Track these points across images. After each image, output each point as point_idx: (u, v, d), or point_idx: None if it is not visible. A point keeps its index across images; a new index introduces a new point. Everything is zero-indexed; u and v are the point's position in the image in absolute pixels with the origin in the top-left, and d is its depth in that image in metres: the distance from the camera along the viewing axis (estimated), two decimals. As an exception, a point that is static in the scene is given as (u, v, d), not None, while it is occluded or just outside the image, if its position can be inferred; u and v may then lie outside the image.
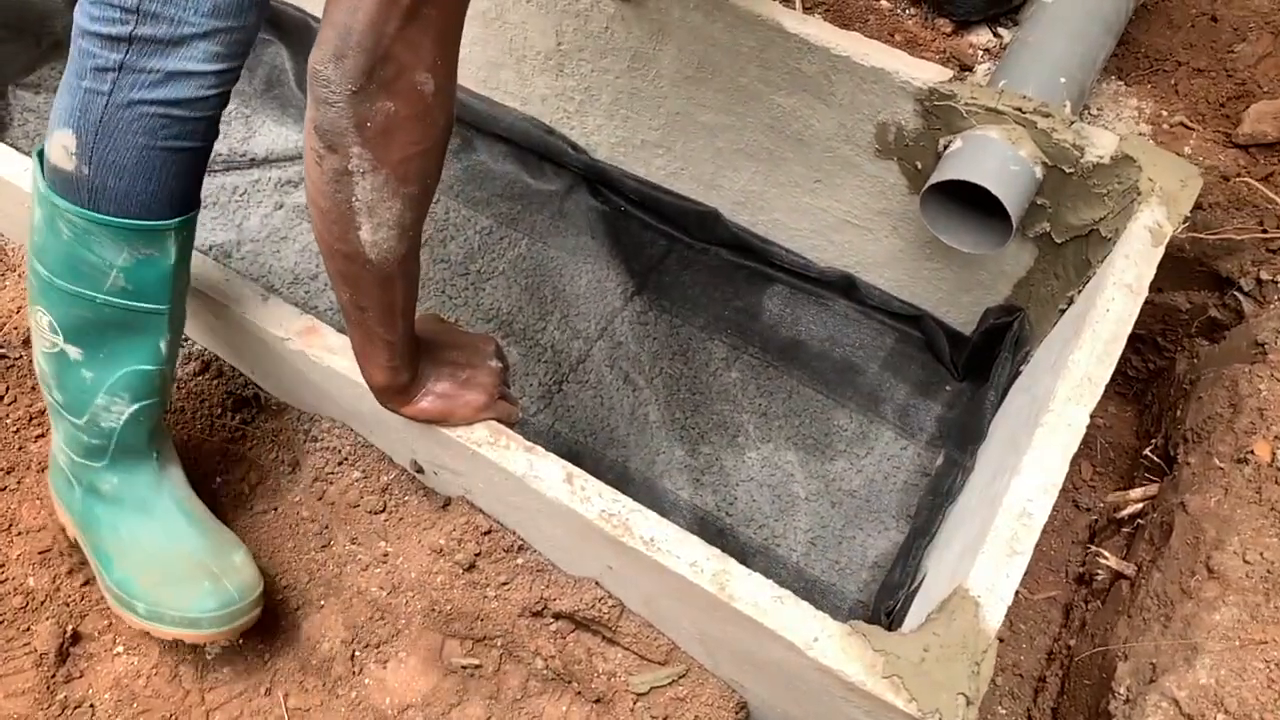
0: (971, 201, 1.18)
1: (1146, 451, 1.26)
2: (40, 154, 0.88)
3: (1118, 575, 1.14)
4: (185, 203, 0.90)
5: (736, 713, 1.00)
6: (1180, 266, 1.29)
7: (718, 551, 0.88)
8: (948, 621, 0.82)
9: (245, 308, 1.06)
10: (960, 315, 1.41)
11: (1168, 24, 1.47)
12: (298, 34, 1.66)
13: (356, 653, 1.06)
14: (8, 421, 1.16)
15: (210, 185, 1.53)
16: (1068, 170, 1.14)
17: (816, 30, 1.22)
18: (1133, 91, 1.42)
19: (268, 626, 1.08)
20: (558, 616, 1.04)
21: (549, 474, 0.93)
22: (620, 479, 1.30)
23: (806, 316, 1.48)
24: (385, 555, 1.09)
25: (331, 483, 1.13)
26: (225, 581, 0.97)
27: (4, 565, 1.07)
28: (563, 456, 0.95)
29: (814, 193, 1.39)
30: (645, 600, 0.99)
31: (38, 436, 1.16)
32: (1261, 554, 0.95)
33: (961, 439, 1.28)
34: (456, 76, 0.76)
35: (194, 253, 1.09)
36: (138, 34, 0.79)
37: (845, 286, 1.47)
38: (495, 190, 1.58)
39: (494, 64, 1.56)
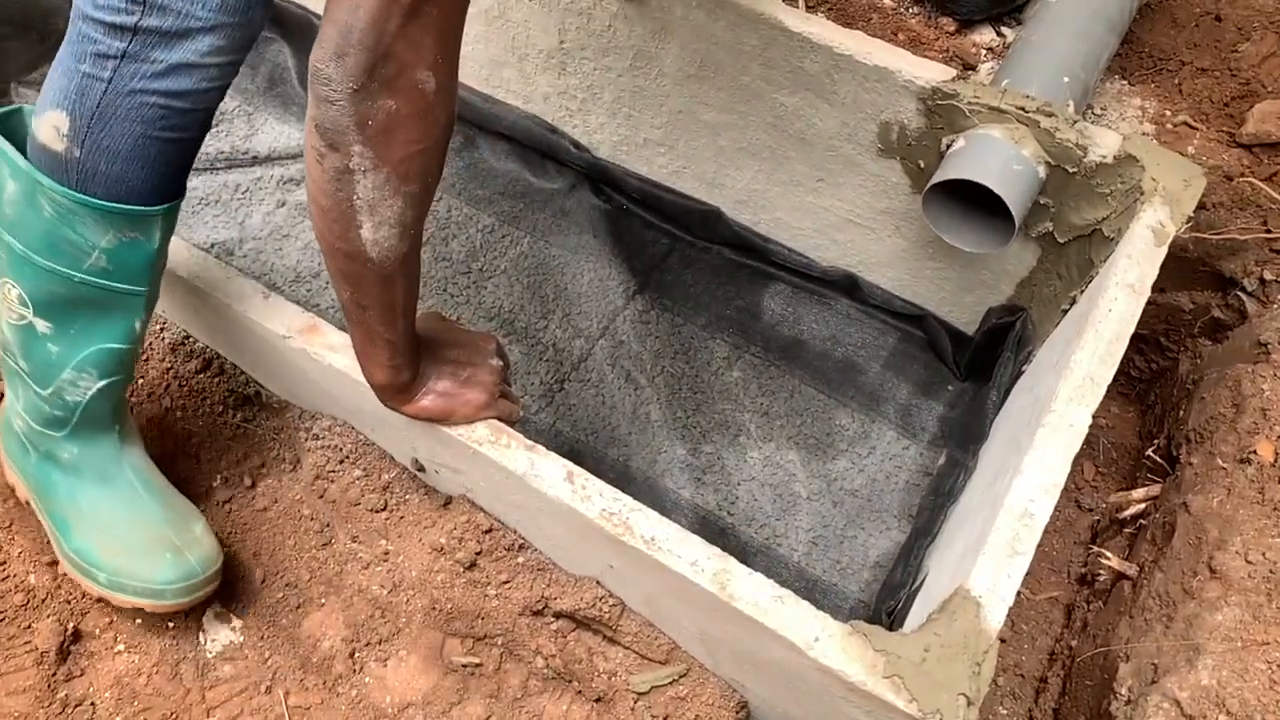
0: (974, 201, 1.17)
1: (1149, 452, 1.26)
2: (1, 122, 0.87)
3: (1120, 575, 1.14)
4: (174, 190, 0.90)
5: (737, 712, 1.00)
6: (1183, 266, 1.29)
7: (718, 551, 0.88)
8: (949, 622, 0.82)
9: (247, 306, 1.06)
10: (963, 315, 1.40)
11: (1172, 23, 1.46)
12: (300, 31, 1.66)
13: (357, 651, 1.06)
14: None
15: (213, 183, 1.53)
16: (1071, 170, 1.14)
17: (819, 29, 1.22)
18: (1136, 91, 1.41)
19: (268, 625, 1.08)
20: (558, 615, 1.04)
21: (550, 473, 0.93)
22: (621, 478, 1.30)
23: (808, 316, 1.48)
24: (386, 554, 1.09)
25: (333, 481, 1.13)
26: (187, 554, 1.00)
27: (5, 563, 1.07)
28: (564, 455, 0.95)
29: (816, 192, 1.39)
30: (646, 599, 0.99)
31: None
32: (1264, 554, 0.95)
33: (963, 439, 1.28)
34: (458, 74, 0.76)
35: (196, 251, 1.09)
36: (143, 25, 0.79)
37: (847, 286, 1.46)
38: (497, 188, 1.58)
39: (496, 62, 1.56)
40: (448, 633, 1.06)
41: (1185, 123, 1.36)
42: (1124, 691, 0.96)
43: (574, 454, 1.29)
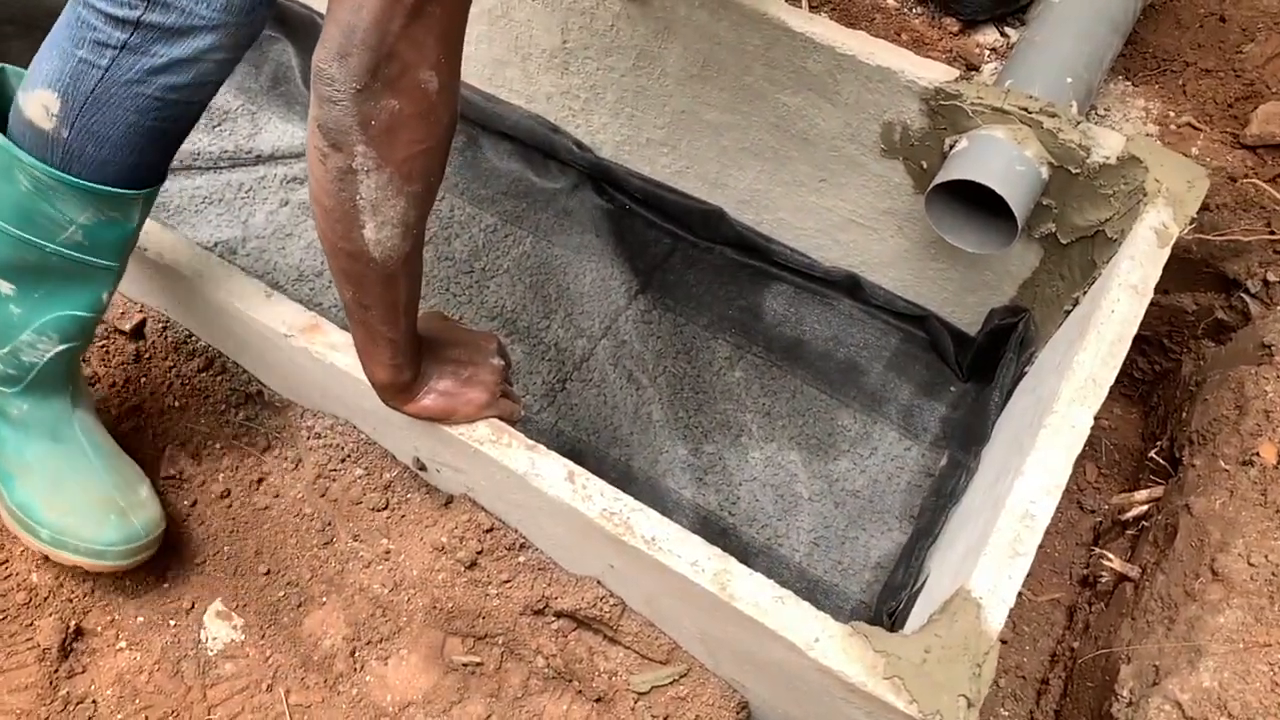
0: (977, 201, 1.17)
1: (1151, 453, 1.26)
2: None
3: (1121, 577, 1.14)
4: (156, 175, 0.91)
5: (737, 713, 1.00)
6: (1186, 268, 1.29)
7: (719, 551, 0.88)
8: (949, 623, 0.82)
9: (249, 304, 1.06)
10: (965, 316, 1.40)
11: (1175, 24, 1.46)
12: (304, 31, 1.66)
13: (358, 650, 1.06)
14: None
15: (216, 182, 1.53)
16: (1074, 171, 1.13)
17: (822, 29, 1.22)
18: (1140, 92, 1.41)
19: (270, 623, 1.08)
20: (559, 615, 1.04)
21: (551, 472, 0.93)
22: (623, 478, 1.30)
23: (811, 316, 1.48)
24: (387, 552, 1.09)
25: (334, 480, 1.13)
26: (132, 516, 1.01)
27: (7, 561, 1.07)
28: (565, 455, 0.95)
29: (819, 192, 1.39)
30: (646, 599, 0.99)
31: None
32: (1266, 556, 0.95)
33: (965, 440, 1.28)
34: (460, 74, 0.76)
35: (198, 250, 1.09)
36: (146, 19, 0.79)
37: (850, 286, 1.46)
38: (500, 188, 1.58)
39: (499, 62, 1.56)
40: (448, 632, 1.07)
41: (1189, 124, 1.36)
42: (1125, 693, 0.96)
43: (575, 454, 1.29)
